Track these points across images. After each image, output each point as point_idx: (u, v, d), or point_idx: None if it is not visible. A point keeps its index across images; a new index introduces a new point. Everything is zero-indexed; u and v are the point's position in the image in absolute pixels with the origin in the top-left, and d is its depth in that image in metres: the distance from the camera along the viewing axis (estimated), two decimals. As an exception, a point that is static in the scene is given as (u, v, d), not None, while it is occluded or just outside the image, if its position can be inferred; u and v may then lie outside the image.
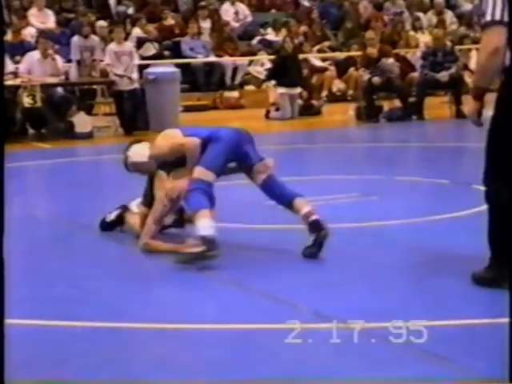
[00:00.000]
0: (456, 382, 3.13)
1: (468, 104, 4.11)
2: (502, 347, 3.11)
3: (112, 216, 5.73)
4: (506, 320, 3.53)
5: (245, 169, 5.17)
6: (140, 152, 5.39)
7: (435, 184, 7.67)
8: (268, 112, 13.98)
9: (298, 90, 13.90)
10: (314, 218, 4.96)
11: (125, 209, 5.77)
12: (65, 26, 16.24)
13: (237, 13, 18.16)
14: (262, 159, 5.17)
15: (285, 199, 5.10)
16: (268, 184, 5.09)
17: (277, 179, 5.16)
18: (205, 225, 4.72)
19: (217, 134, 5.07)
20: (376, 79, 13.09)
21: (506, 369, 2.75)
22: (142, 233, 5.26)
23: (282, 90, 13.78)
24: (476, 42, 18.06)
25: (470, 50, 17.31)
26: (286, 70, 13.89)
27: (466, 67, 16.40)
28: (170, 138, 5.19)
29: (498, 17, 3.80)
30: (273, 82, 14.08)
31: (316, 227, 4.93)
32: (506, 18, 3.79)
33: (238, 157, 5.12)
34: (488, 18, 3.83)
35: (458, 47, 15.16)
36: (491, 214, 4.10)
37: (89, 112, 12.82)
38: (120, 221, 5.74)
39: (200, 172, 4.89)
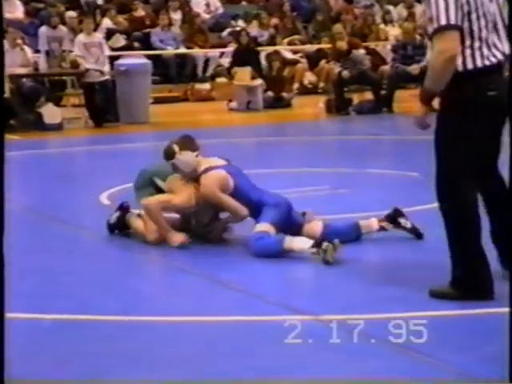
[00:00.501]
0: (455, 382, 3.13)
1: (416, 107, 4.01)
2: (500, 340, 3.14)
3: (113, 218, 5.54)
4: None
5: (294, 231, 5.18)
6: (188, 162, 5.26)
7: (405, 177, 7.73)
8: (230, 102, 14.19)
9: (259, 81, 14.02)
10: (384, 224, 5.31)
11: (125, 211, 5.55)
12: (33, 16, 16.09)
13: (208, 5, 18.11)
14: (304, 213, 5.27)
15: (351, 228, 5.24)
16: (327, 232, 5.14)
17: (328, 223, 5.22)
18: (301, 241, 4.87)
19: (271, 200, 5.16)
20: (345, 73, 13.15)
21: (506, 369, 2.73)
22: (156, 198, 5.17)
23: (238, 82, 13.96)
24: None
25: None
26: (243, 62, 14.04)
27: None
28: (218, 190, 5.15)
29: (453, 21, 3.75)
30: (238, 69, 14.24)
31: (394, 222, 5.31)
32: (459, 22, 3.76)
33: (288, 224, 5.16)
34: (443, 21, 3.74)
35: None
36: (448, 221, 4.06)
37: (57, 103, 12.73)
38: (121, 223, 5.52)
39: (264, 226, 5.00)
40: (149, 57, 14.26)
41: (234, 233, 5.34)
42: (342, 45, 13.49)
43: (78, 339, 3.68)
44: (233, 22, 18.03)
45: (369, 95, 13.57)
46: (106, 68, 12.54)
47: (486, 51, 3.85)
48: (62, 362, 3.42)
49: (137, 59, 13.37)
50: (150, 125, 12.50)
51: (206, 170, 5.22)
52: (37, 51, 13.35)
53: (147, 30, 16.28)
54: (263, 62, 15.20)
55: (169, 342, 3.64)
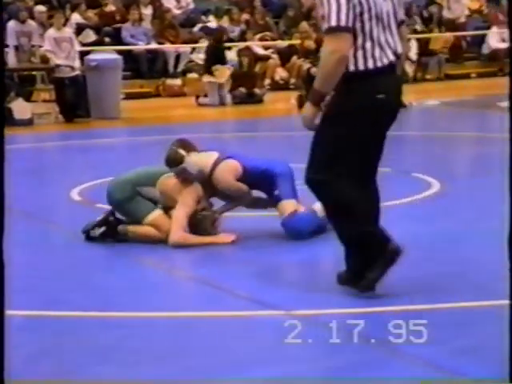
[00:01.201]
0: (455, 381, 3.10)
1: (305, 108, 3.96)
2: (473, 333, 3.12)
3: (97, 233, 5.26)
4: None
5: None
6: (196, 164, 5.19)
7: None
8: (197, 98, 14.22)
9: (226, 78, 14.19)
10: None
11: (113, 225, 5.28)
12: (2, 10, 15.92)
13: (178, 0, 18.05)
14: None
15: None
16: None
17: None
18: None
19: (280, 169, 5.29)
20: (315, 70, 13.20)
21: (506, 368, 2.72)
22: (172, 228, 5.04)
23: (209, 78, 14.04)
24: (415, 31, 18.30)
25: (409, 39, 17.52)
26: (218, 59, 14.21)
27: (406, 57, 16.60)
28: (234, 180, 5.22)
29: (343, 23, 3.70)
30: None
31: None
32: (350, 24, 3.73)
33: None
34: (333, 23, 3.70)
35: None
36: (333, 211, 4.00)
37: (27, 98, 12.62)
38: (110, 236, 5.26)
39: (294, 204, 5.19)
40: (119, 52, 14.19)
41: (222, 227, 5.30)
42: (310, 44, 13.62)
43: (49, 336, 3.65)
44: (203, 18, 17.98)
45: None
46: (77, 63, 12.45)
47: (377, 52, 3.82)
48: (33, 358, 3.40)
49: (107, 54, 13.29)
50: (121, 120, 12.44)
51: (216, 165, 5.22)
52: (5, 46, 13.21)
53: (118, 25, 16.19)
54: (235, 57, 15.22)
55: (141, 338, 3.62)
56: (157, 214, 5.14)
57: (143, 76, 15.89)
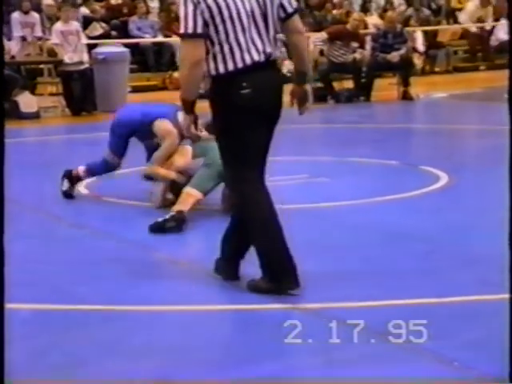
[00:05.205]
0: (455, 381, 3.06)
1: (183, 120, 4.04)
2: (479, 327, 3.10)
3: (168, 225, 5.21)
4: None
5: None
6: None
7: (384, 165, 7.74)
8: None
9: None
10: None
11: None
12: (6, 2, 15.89)
13: (185, -7, 18.02)
14: None
15: None
16: None
17: None
18: None
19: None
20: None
21: (506, 368, 2.67)
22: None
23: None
24: (422, 23, 18.23)
25: (414, 31, 17.49)
26: None
27: (414, 49, 16.55)
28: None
29: (190, 30, 3.74)
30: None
31: None
32: (199, 30, 3.74)
33: None
34: (181, 30, 3.77)
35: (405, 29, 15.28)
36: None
37: (32, 92, 12.60)
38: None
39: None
40: (126, 45, 14.17)
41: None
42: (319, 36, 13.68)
43: (56, 329, 3.65)
44: (211, 11, 17.94)
45: (346, 84, 13.56)
46: (85, 57, 12.42)
47: (237, 54, 3.80)
48: (40, 351, 3.39)
49: (115, 47, 13.27)
50: (128, 113, 12.41)
51: None
52: (8, 39, 13.20)
53: (125, 18, 16.17)
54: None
55: (148, 331, 3.62)
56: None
57: (150, 69, 15.88)
